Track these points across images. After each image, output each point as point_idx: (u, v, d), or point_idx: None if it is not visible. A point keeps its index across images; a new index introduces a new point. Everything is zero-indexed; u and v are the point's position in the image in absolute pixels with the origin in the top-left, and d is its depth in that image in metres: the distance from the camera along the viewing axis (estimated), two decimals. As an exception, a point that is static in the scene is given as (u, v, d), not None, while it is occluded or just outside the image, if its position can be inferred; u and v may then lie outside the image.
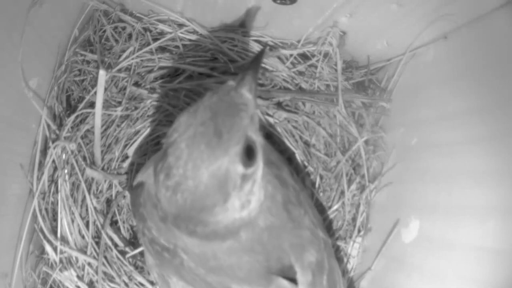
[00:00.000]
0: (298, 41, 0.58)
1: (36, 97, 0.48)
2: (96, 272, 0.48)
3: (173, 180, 0.29)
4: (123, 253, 0.49)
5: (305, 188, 0.52)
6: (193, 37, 0.56)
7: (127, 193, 0.51)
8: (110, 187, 0.51)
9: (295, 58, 0.58)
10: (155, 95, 0.54)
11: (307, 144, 0.57)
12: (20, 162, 0.47)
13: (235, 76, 0.33)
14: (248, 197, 0.32)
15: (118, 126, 0.53)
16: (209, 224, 0.31)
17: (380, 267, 0.52)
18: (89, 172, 0.50)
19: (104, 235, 0.48)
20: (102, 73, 0.48)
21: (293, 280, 0.37)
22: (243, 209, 0.32)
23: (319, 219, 0.46)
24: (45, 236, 0.48)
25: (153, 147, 0.53)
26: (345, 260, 0.55)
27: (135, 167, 0.52)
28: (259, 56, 0.35)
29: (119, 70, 0.53)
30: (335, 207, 0.55)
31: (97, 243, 0.49)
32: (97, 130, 0.50)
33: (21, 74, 0.44)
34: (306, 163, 0.56)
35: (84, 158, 0.51)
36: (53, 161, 0.49)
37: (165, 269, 0.40)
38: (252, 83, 0.32)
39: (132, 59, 0.54)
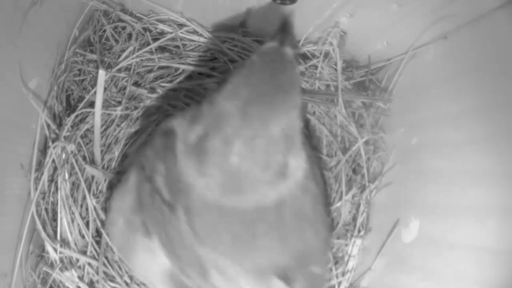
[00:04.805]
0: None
1: (36, 97, 0.48)
2: (97, 272, 0.48)
3: (239, 144, 0.29)
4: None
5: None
6: (193, 37, 0.56)
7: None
8: (110, 186, 0.51)
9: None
10: (155, 95, 0.54)
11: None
12: (20, 162, 0.47)
13: (273, 37, 0.33)
14: (299, 154, 0.32)
15: (118, 125, 0.53)
16: (269, 185, 0.31)
17: (380, 267, 0.52)
18: (89, 169, 0.50)
19: (104, 235, 0.48)
20: (101, 73, 0.48)
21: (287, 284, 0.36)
22: (297, 169, 0.32)
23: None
24: (45, 236, 0.48)
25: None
26: (345, 260, 0.55)
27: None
28: (287, 19, 0.37)
29: (119, 70, 0.53)
30: (335, 206, 0.55)
31: (98, 243, 0.49)
32: (97, 129, 0.50)
33: (21, 74, 0.44)
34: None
35: (84, 158, 0.51)
36: (53, 160, 0.49)
37: (153, 230, 0.38)
38: (291, 42, 0.33)
39: (132, 59, 0.54)
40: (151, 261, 0.39)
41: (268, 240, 0.35)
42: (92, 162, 0.51)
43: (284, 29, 0.35)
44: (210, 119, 0.30)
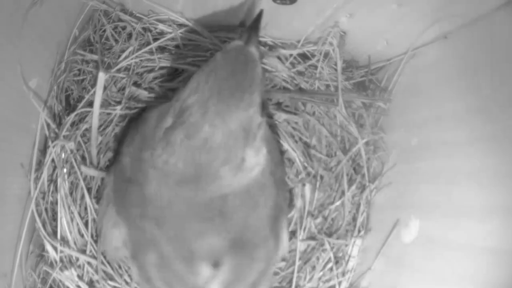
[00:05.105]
0: (298, 41, 0.58)
1: (36, 96, 0.48)
2: (96, 271, 0.48)
3: (199, 138, 0.31)
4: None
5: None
6: (193, 37, 0.56)
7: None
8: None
9: (295, 58, 0.58)
10: (154, 95, 0.54)
11: (307, 145, 0.57)
12: (20, 161, 0.47)
13: (240, 35, 0.35)
14: (258, 149, 0.34)
15: (116, 125, 0.53)
16: (225, 178, 0.33)
17: (380, 267, 0.51)
18: (84, 170, 0.50)
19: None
20: (101, 74, 0.49)
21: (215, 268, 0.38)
22: (256, 159, 0.34)
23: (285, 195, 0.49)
24: (45, 235, 0.48)
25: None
26: (345, 260, 0.55)
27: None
28: (258, 17, 0.39)
29: (119, 70, 0.53)
30: (335, 205, 0.55)
31: (97, 242, 0.49)
32: (94, 130, 0.50)
33: (21, 74, 0.44)
34: (305, 164, 0.56)
35: (83, 157, 0.51)
36: (53, 160, 0.49)
37: (120, 207, 0.42)
38: (257, 41, 0.35)
39: (132, 59, 0.54)
40: (114, 228, 0.43)
41: (205, 226, 0.37)
42: (90, 162, 0.51)
43: (252, 28, 0.36)
44: (176, 113, 0.32)
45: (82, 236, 0.49)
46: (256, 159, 0.34)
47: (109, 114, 0.52)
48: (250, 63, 0.33)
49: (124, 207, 0.41)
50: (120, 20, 0.57)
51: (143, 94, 0.53)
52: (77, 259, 0.49)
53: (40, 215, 0.49)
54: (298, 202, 0.54)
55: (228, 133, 0.31)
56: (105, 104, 0.52)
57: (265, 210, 0.41)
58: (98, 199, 0.51)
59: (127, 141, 0.44)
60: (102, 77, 0.49)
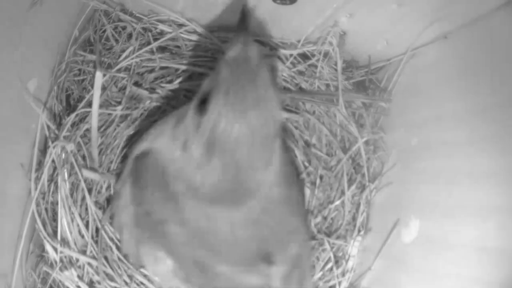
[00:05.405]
0: (298, 41, 0.58)
1: (36, 97, 0.48)
2: (96, 272, 0.48)
3: (225, 145, 0.31)
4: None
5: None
6: (193, 37, 0.56)
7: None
8: (109, 187, 0.51)
9: (295, 58, 0.58)
10: (155, 95, 0.54)
11: (307, 144, 0.57)
12: (20, 162, 0.47)
13: (237, 41, 0.35)
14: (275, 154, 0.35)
15: (117, 126, 0.53)
16: (252, 185, 0.34)
17: (380, 267, 0.52)
18: (85, 173, 0.50)
19: (103, 234, 0.48)
20: (98, 74, 0.48)
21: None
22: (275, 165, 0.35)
23: (306, 215, 0.49)
24: (45, 236, 0.48)
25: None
26: (345, 260, 0.55)
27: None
28: (243, 16, 0.38)
29: (119, 70, 0.53)
30: (334, 204, 0.55)
31: (97, 243, 0.49)
32: (94, 131, 0.50)
33: (21, 74, 0.44)
34: (306, 163, 0.56)
35: (84, 158, 0.51)
36: (53, 160, 0.49)
37: (155, 242, 0.42)
38: (252, 41, 0.35)
39: (132, 59, 0.54)
40: (158, 264, 0.42)
41: (244, 232, 0.38)
42: (91, 163, 0.51)
43: (241, 29, 0.36)
44: (206, 143, 0.33)
45: (82, 236, 0.49)
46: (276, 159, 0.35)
47: (110, 114, 0.52)
48: (257, 68, 0.33)
49: (166, 246, 0.41)
50: (120, 20, 0.57)
51: (144, 93, 0.53)
52: (77, 260, 0.49)
53: (40, 215, 0.49)
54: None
55: (254, 136, 0.32)
56: (105, 104, 0.52)
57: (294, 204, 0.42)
58: (98, 199, 0.51)
59: (140, 184, 0.43)
60: (99, 77, 0.48)
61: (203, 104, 0.33)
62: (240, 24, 0.38)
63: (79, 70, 0.54)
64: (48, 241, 0.48)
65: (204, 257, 0.39)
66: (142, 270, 0.49)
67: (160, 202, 0.39)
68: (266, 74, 0.33)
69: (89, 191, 0.50)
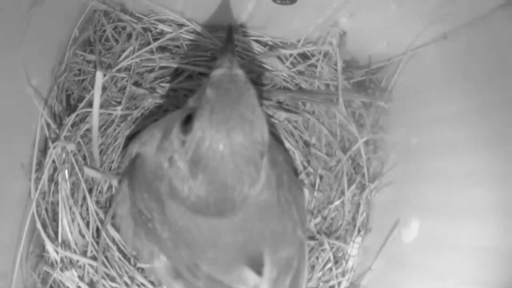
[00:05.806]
0: (298, 41, 0.58)
1: (36, 97, 0.48)
2: (97, 272, 0.48)
3: (210, 164, 0.31)
4: (124, 253, 0.49)
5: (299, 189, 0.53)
6: (193, 37, 0.56)
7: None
8: (110, 187, 0.51)
9: (295, 58, 0.58)
10: (155, 95, 0.54)
11: (307, 144, 0.57)
12: (20, 162, 0.47)
13: (223, 61, 0.35)
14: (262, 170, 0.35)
15: (118, 125, 0.53)
16: (240, 198, 0.34)
17: (380, 267, 0.52)
18: (87, 171, 0.50)
19: (103, 235, 0.48)
20: (99, 74, 0.48)
21: (258, 271, 0.39)
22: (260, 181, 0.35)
23: (303, 218, 0.48)
24: (45, 236, 0.48)
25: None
26: (345, 260, 0.55)
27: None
28: (229, 36, 0.39)
29: (119, 70, 0.53)
30: (334, 204, 0.55)
31: (98, 243, 0.49)
32: (95, 131, 0.50)
33: (21, 74, 0.44)
34: (305, 164, 0.56)
35: (84, 158, 0.51)
36: (53, 160, 0.49)
37: (149, 239, 0.42)
38: (237, 62, 0.35)
39: (132, 59, 0.54)
40: (153, 259, 0.43)
41: (231, 238, 0.38)
42: (92, 163, 0.51)
43: (227, 49, 0.36)
44: (189, 162, 0.33)
45: (83, 237, 0.49)
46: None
47: (110, 114, 0.52)
48: (243, 88, 0.33)
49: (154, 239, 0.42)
50: (120, 20, 0.56)
51: (144, 93, 0.53)
52: (78, 260, 0.49)
53: (40, 215, 0.49)
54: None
55: (241, 154, 0.32)
56: (106, 104, 0.52)
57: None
58: (99, 199, 0.51)
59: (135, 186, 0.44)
60: (100, 77, 0.48)
61: (188, 121, 0.32)
62: (226, 44, 0.38)
63: (79, 70, 0.54)
64: (48, 241, 0.48)
65: (192, 258, 0.39)
66: (139, 265, 0.49)
67: (148, 203, 0.40)
68: (252, 93, 0.33)
69: (90, 191, 0.50)
